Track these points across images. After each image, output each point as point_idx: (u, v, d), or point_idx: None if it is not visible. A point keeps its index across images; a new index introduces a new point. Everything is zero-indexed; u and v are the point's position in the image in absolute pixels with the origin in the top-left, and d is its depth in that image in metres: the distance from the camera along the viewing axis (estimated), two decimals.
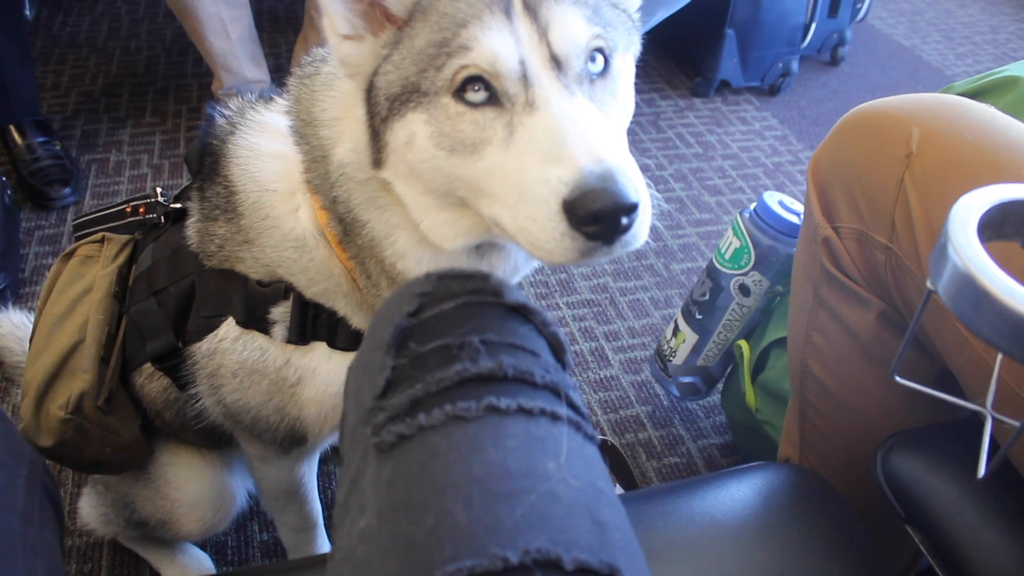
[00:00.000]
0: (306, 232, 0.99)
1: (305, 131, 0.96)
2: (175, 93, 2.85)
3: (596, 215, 0.70)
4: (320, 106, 0.95)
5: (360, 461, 0.55)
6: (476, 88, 0.77)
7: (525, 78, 0.76)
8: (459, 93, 0.78)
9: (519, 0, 0.79)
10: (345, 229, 0.95)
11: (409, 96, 0.81)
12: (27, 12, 3.12)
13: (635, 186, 0.72)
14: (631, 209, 0.71)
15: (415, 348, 0.57)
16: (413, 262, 0.94)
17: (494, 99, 0.78)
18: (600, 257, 0.75)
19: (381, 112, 0.84)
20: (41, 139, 2.36)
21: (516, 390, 0.55)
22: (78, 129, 2.64)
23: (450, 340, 0.57)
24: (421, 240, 0.92)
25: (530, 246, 0.76)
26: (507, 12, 0.78)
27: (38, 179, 2.29)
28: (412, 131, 0.82)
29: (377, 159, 0.87)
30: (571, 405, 0.57)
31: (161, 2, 2.61)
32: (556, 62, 0.78)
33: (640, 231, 0.75)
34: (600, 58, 0.82)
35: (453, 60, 0.77)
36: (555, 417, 0.55)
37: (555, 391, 0.57)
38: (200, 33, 2.39)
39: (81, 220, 1.24)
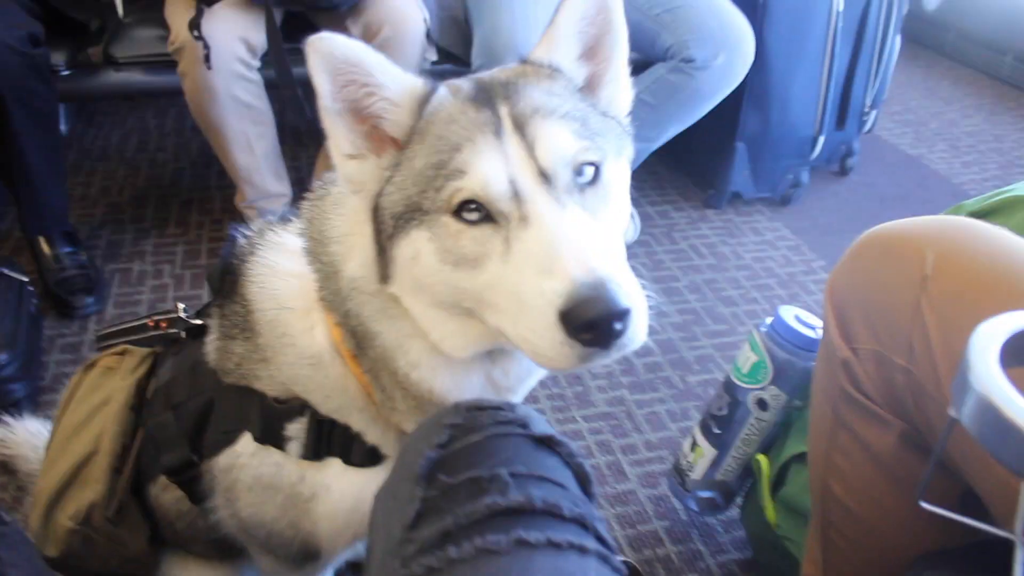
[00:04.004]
0: (321, 349, 1.01)
1: (317, 249, 1.00)
2: (198, 205, 2.92)
3: (590, 323, 0.73)
4: (330, 224, 0.99)
5: None
6: (472, 207, 0.81)
7: (517, 194, 0.80)
8: (457, 213, 0.82)
9: (509, 119, 0.83)
10: (358, 342, 0.97)
11: (412, 215, 0.85)
12: (62, 127, 3.24)
13: (627, 292, 0.74)
14: (623, 315, 0.74)
15: (445, 480, 0.58)
16: (428, 371, 0.96)
17: (490, 216, 0.81)
18: (598, 361, 0.77)
19: (387, 230, 0.88)
20: (68, 249, 2.41)
21: (544, 523, 0.55)
22: (104, 239, 2.70)
23: (480, 472, 0.57)
24: (434, 348, 0.93)
25: (532, 354, 0.79)
26: (497, 133, 0.82)
27: (63, 289, 2.33)
28: (417, 248, 0.85)
29: (384, 275, 0.90)
30: (598, 537, 0.57)
31: (188, 117, 2.70)
32: (544, 176, 0.81)
33: (636, 334, 0.77)
34: (590, 169, 0.85)
35: (449, 183, 0.81)
36: (583, 550, 0.55)
37: (582, 524, 0.57)
38: (226, 149, 2.45)
39: (105, 332, 1.26)
